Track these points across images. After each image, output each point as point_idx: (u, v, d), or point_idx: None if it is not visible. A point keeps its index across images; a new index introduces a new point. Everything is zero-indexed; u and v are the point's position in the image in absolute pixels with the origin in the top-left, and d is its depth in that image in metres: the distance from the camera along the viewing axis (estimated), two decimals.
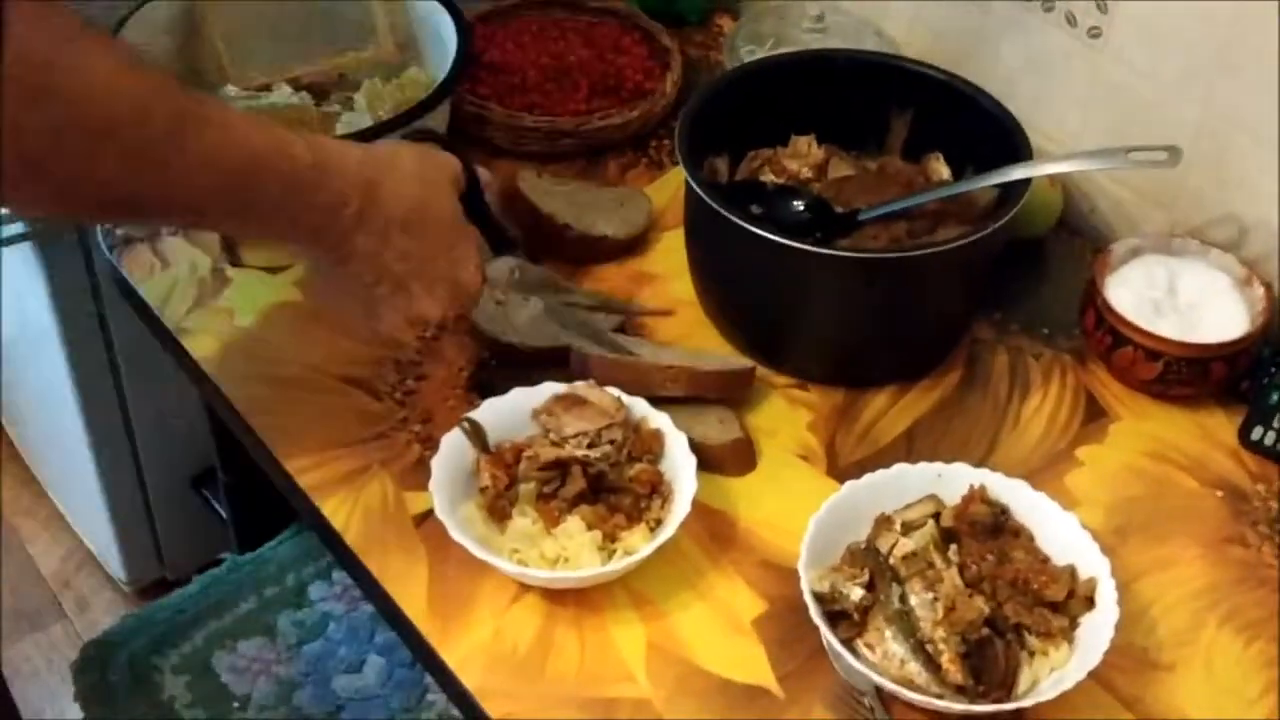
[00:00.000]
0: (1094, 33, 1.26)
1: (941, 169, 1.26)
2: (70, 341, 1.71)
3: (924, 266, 1.12)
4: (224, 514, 1.78)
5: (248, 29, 1.40)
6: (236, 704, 1.33)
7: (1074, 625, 0.97)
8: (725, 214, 1.10)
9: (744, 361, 1.18)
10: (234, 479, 1.55)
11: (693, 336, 1.22)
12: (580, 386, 1.09)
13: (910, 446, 1.14)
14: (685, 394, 1.12)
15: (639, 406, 1.09)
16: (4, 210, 1.55)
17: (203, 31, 1.36)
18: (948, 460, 1.06)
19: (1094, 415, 1.18)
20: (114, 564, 2.00)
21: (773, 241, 1.09)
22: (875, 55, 1.30)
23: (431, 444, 1.10)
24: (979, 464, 1.08)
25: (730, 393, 1.15)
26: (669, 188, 1.36)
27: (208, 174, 0.88)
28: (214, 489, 1.83)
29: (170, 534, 1.96)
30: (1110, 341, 1.17)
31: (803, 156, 1.28)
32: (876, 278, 1.12)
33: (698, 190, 1.13)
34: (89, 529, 2.05)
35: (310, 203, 0.94)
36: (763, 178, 1.27)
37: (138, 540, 1.96)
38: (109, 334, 1.72)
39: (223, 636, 1.37)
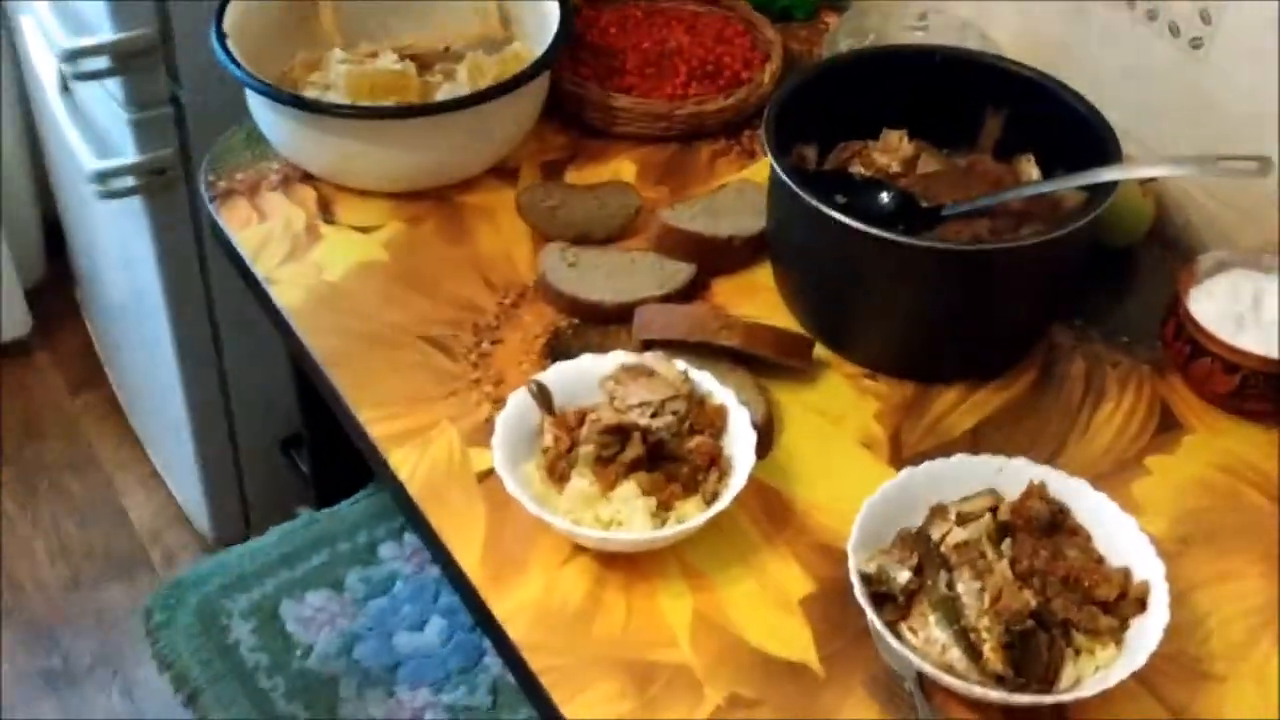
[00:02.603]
0: (1195, 43, 1.25)
1: (1032, 170, 1.25)
2: (173, 299, 1.76)
3: (1000, 262, 1.11)
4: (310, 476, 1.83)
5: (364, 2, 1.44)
6: (299, 652, 1.35)
7: (1124, 627, 0.96)
8: (805, 197, 1.11)
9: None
10: (318, 438, 1.58)
11: (770, 320, 1.22)
12: (648, 357, 1.10)
13: (976, 443, 1.13)
14: (740, 346, 1.14)
15: (705, 382, 1.10)
16: (113, 164, 1.61)
17: None
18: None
19: (1167, 426, 1.16)
20: (202, 522, 2.06)
21: (851, 227, 1.09)
22: (971, 53, 1.29)
23: (502, 404, 1.12)
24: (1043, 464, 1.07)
25: (786, 356, 1.16)
26: (759, 176, 1.36)
27: None
28: (303, 453, 1.88)
29: (258, 495, 2.01)
30: (1189, 352, 1.15)
31: (893, 150, 1.28)
32: (951, 271, 1.12)
33: (779, 172, 1.14)
34: (181, 486, 2.10)
35: None
36: (851, 169, 1.27)
37: (226, 500, 2.01)
38: (211, 294, 1.77)
39: (292, 587, 1.40)
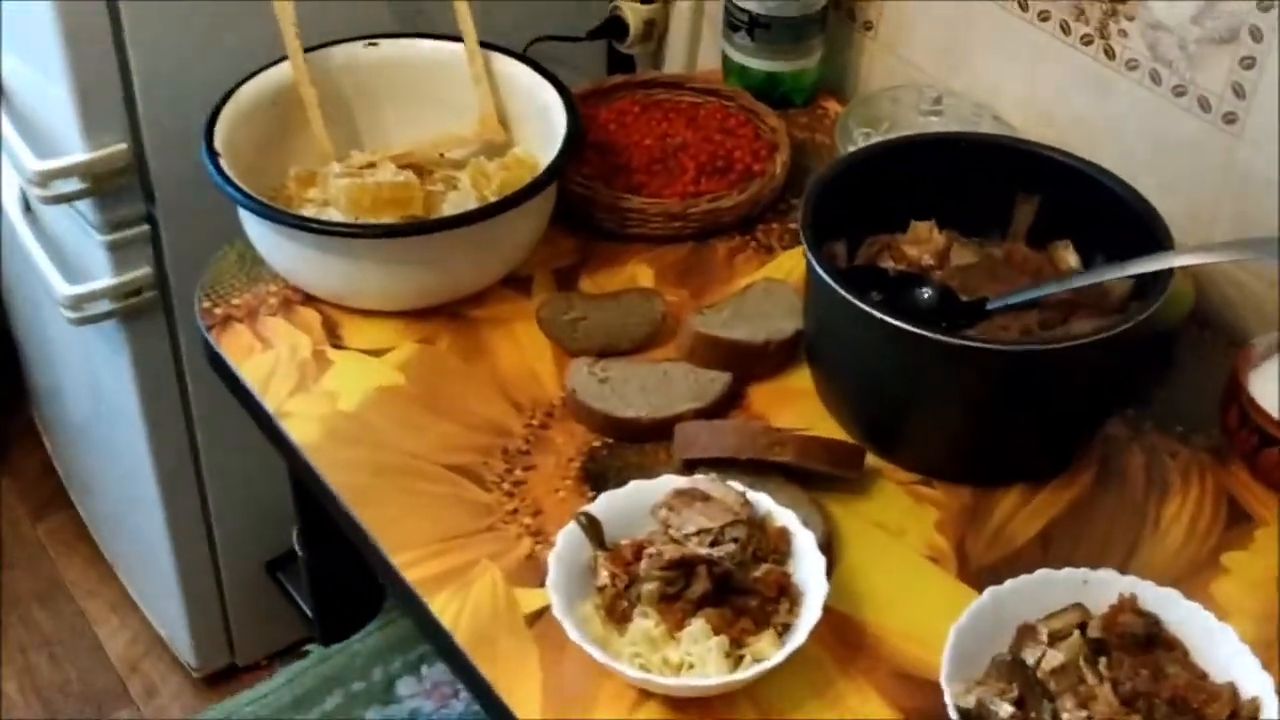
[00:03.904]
0: (1229, 118, 1.22)
1: (1070, 257, 1.21)
2: (151, 419, 1.67)
3: (1062, 361, 1.06)
4: (299, 599, 1.74)
5: (350, 105, 1.38)
6: None
7: None
8: (852, 300, 1.06)
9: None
10: (316, 562, 1.50)
11: (812, 429, 1.16)
12: (702, 481, 1.04)
13: (1046, 549, 1.08)
14: (793, 461, 1.08)
15: (763, 503, 1.04)
16: (87, 288, 1.53)
17: (305, 107, 1.33)
18: (1087, 565, 1.01)
19: (1237, 519, 1.11)
20: (184, 649, 1.95)
21: (901, 329, 1.04)
22: (1002, 138, 1.25)
23: (542, 537, 1.06)
24: (1120, 570, 1.02)
25: (840, 468, 1.10)
26: (780, 273, 1.31)
27: None
28: (289, 574, 1.79)
29: (242, 619, 1.91)
30: (1256, 441, 1.11)
31: (923, 242, 1.23)
32: (1010, 371, 1.07)
33: (821, 274, 1.08)
34: (159, 612, 2.00)
35: None
36: (882, 264, 1.23)
37: (209, 625, 1.91)
38: (190, 412, 1.69)
39: None
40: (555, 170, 1.24)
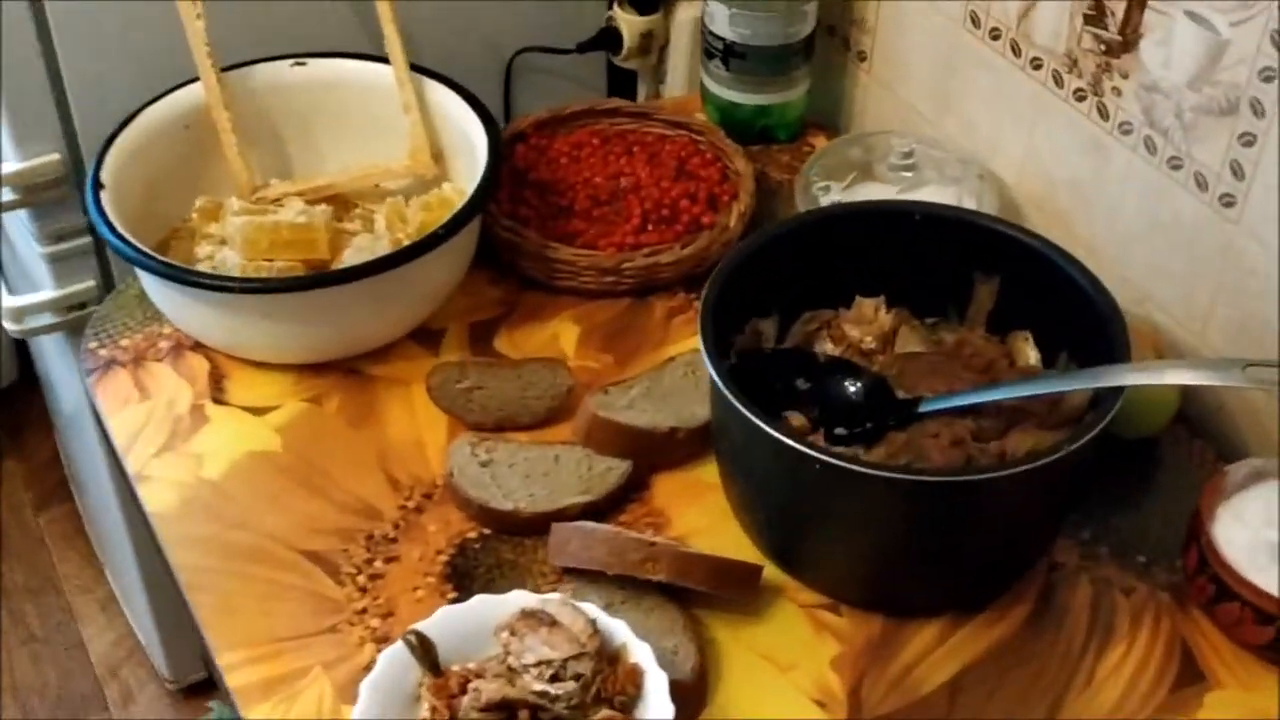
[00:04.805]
0: (1226, 201, 1.05)
1: (1029, 352, 1.06)
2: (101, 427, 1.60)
3: (980, 490, 0.92)
4: None
5: (279, 129, 1.28)
6: None
7: None
8: (734, 402, 0.92)
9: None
10: None
11: (716, 530, 1.04)
12: (553, 603, 0.92)
13: (953, 702, 0.94)
14: (668, 580, 0.95)
15: (619, 634, 0.91)
16: (29, 300, 1.46)
17: (220, 131, 1.23)
18: None
19: (1188, 678, 0.96)
20: (159, 660, 1.90)
21: (798, 452, 0.90)
22: (959, 212, 1.10)
23: (386, 645, 0.95)
24: None
25: (724, 590, 0.97)
26: None
27: None
28: None
29: None
30: (1213, 592, 0.95)
31: (868, 322, 1.09)
32: (919, 499, 0.92)
33: (711, 370, 0.95)
34: (137, 618, 1.94)
35: None
36: (818, 345, 1.09)
37: (182, 636, 1.84)
38: None
39: None
40: (461, 219, 1.12)
